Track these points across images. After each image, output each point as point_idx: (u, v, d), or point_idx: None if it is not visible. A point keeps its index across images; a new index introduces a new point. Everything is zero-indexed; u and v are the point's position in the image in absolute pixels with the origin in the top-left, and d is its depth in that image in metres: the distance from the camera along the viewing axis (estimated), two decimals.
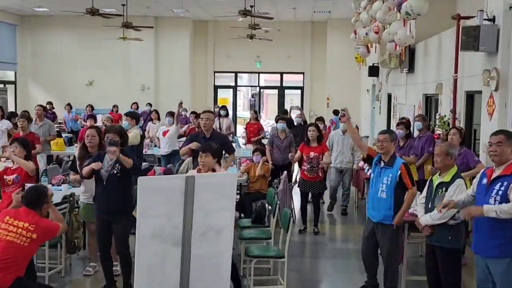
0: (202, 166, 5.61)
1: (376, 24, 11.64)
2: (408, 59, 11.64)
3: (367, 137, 16.71)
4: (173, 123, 10.39)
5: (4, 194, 5.58)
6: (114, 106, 16.70)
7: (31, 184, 5.32)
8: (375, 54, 14.61)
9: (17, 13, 20.11)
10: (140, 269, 2.95)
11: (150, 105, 17.42)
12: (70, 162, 9.37)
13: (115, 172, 5.48)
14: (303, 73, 21.85)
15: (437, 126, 9.46)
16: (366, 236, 5.82)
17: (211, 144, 5.94)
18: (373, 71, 16.07)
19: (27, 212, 4.52)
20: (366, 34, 12.80)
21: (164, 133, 10.42)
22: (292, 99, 21.48)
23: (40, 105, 11.12)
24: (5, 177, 5.91)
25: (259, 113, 22.93)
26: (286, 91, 22.58)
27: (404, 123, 8.38)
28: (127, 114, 9.52)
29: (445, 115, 9.23)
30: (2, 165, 7.44)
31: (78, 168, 6.01)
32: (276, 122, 9.92)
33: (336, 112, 17.45)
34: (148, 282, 3.00)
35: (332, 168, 9.76)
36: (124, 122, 9.28)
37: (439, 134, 8.73)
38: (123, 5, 15.57)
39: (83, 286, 6.15)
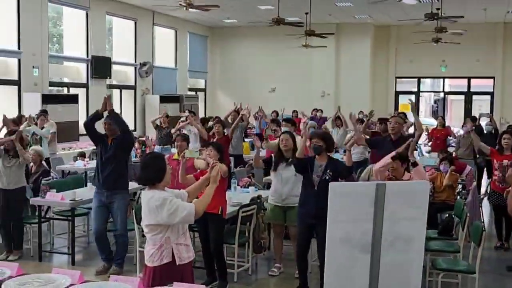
0: (391, 171, 5.53)
1: None
2: None
3: None
4: None
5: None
6: (293, 112, 17.06)
7: None
8: None
9: (208, 24, 21.60)
10: (330, 271, 2.98)
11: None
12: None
13: (326, 178, 5.58)
14: (493, 77, 20.38)
15: None
16: None
17: (403, 152, 5.80)
18: None
19: None
20: None
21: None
22: (480, 105, 20.14)
23: (235, 111, 11.77)
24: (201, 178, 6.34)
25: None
26: (474, 97, 21.24)
27: None
28: (286, 120, 9.76)
29: None
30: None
31: (271, 169, 6.35)
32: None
33: None
34: (337, 285, 3.02)
35: None
36: (284, 128, 9.51)
37: None
38: (306, 13, 15.92)
39: (268, 285, 6.37)
